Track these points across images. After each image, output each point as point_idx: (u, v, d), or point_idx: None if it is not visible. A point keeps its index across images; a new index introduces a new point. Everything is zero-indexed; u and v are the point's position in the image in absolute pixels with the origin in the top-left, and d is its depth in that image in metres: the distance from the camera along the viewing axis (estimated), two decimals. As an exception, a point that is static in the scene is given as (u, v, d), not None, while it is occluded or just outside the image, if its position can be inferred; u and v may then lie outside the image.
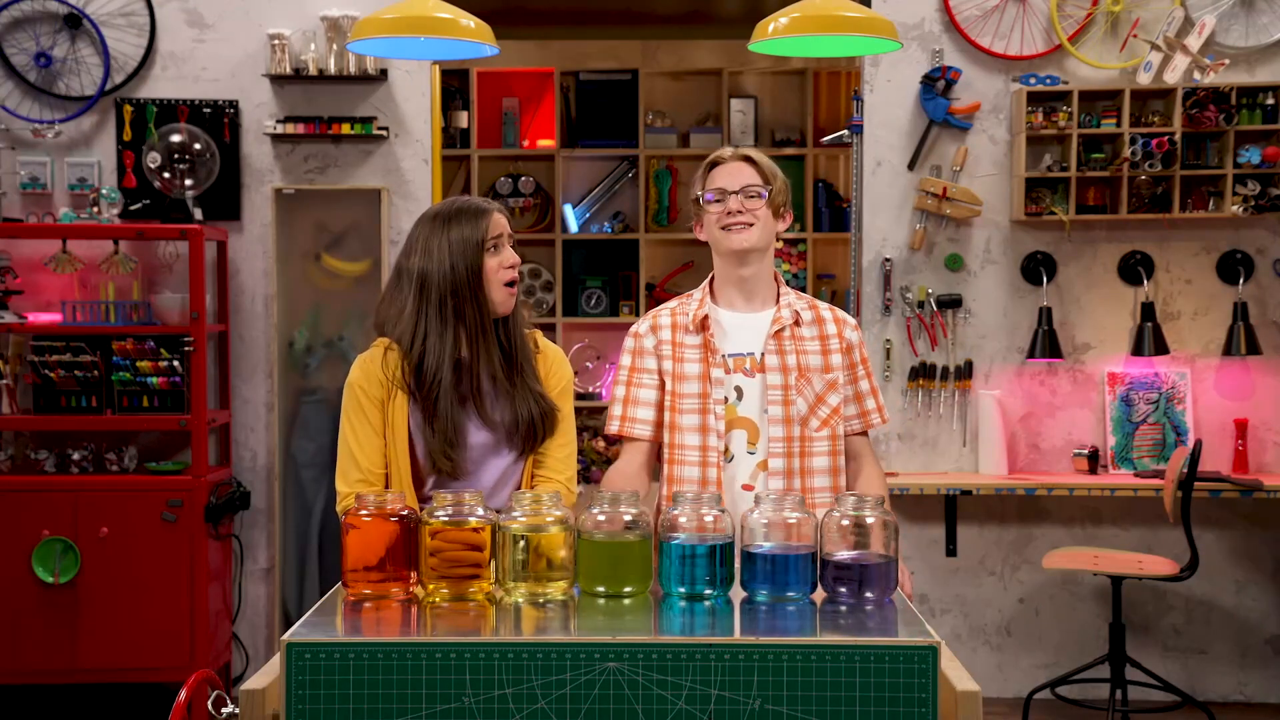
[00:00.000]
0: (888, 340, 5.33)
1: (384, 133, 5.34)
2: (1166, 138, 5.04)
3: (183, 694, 2.14)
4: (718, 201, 2.98)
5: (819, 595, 2.29)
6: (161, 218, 5.21)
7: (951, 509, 5.27)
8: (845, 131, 5.73)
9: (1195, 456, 4.63)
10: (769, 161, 3.03)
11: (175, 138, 5.19)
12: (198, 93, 5.35)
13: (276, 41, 5.27)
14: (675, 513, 2.29)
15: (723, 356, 2.98)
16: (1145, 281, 5.26)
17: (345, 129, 5.29)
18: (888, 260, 5.33)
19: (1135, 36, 5.19)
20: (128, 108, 5.31)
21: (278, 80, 5.34)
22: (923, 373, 5.33)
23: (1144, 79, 5.15)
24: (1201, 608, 5.36)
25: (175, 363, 5.01)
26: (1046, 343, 5.20)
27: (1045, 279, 5.27)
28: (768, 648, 2.01)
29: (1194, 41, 5.12)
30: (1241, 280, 5.24)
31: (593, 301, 7.00)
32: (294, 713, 2.01)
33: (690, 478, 2.95)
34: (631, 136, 6.94)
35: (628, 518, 2.29)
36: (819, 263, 7.03)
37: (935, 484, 5.12)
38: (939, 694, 2.00)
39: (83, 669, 4.91)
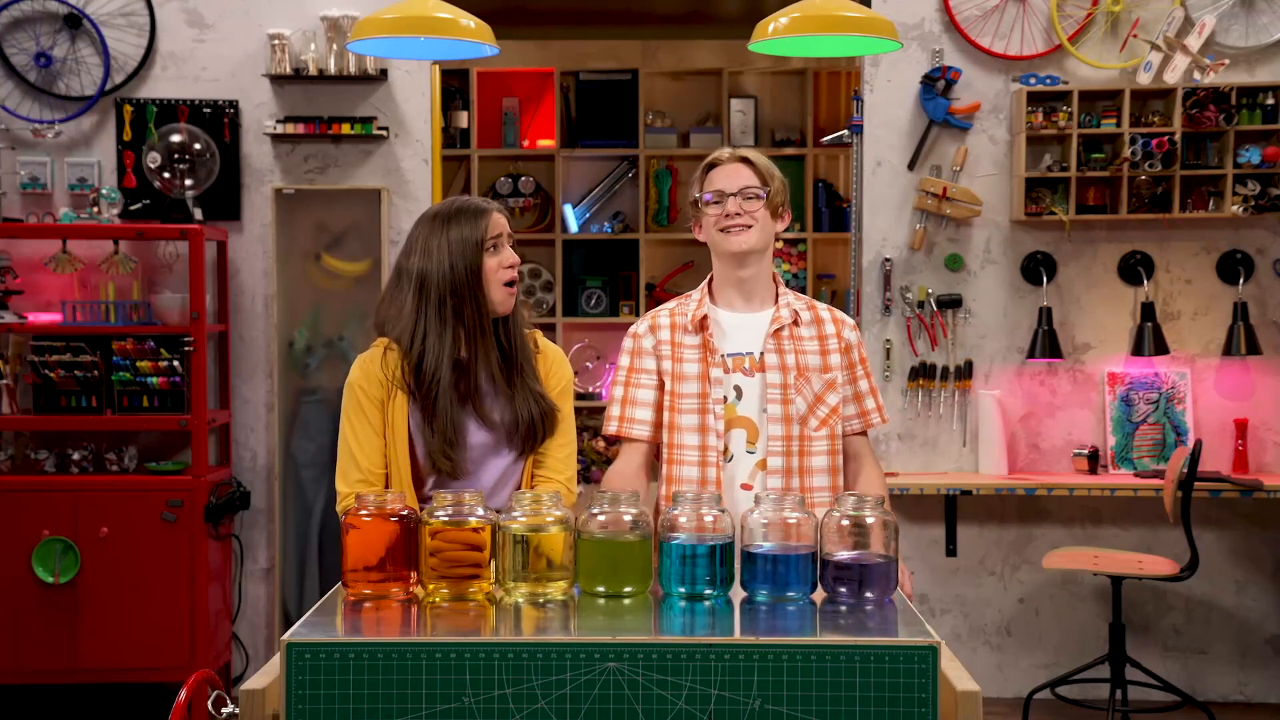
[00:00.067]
0: (888, 340, 5.33)
1: (384, 133, 5.34)
2: (1166, 138, 5.04)
3: (183, 694, 2.14)
4: (716, 203, 2.98)
5: (819, 595, 2.29)
6: (161, 218, 5.21)
7: (951, 509, 5.27)
8: (845, 131, 5.73)
9: (1195, 456, 4.63)
10: (767, 162, 3.03)
11: (175, 138, 5.19)
12: (198, 93, 5.35)
13: (276, 41, 5.27)
14: (675, 513, 2.29)
15: (722, 356, 2.98)
16: (1145, 281, 5.26)
17: (345, 129, 5.29)
18: (888, 260, 5.33)
19: (1135, 36, 5.19)
20: (128, 108, 5.31)
21: (278, 80, 5.34)
22: (923, 373, 5.33)
23: (1144, 79, 5.15)
24: (1201, 608, 5.36)
25: (175, 363, 5.01)
26: (1046, 343, 5.20)
27: (1045, 279, 5.27)
28: (768, 648, 2.01)
29: (1194, 41, 5.12)
30: (1241, 280, 5.24)
31: (593, 301, 7.00)
32: (294, 713, 2.01)
33: (690, 477, 2.95)
34: (631, 136, 6.93)
35: (628, 518, 2.29)
36: (819, 263, 7.03)
37: (935, 484, 5.12)
38: (939, 694, 2.00)
39: (83, 669, 4.91)
